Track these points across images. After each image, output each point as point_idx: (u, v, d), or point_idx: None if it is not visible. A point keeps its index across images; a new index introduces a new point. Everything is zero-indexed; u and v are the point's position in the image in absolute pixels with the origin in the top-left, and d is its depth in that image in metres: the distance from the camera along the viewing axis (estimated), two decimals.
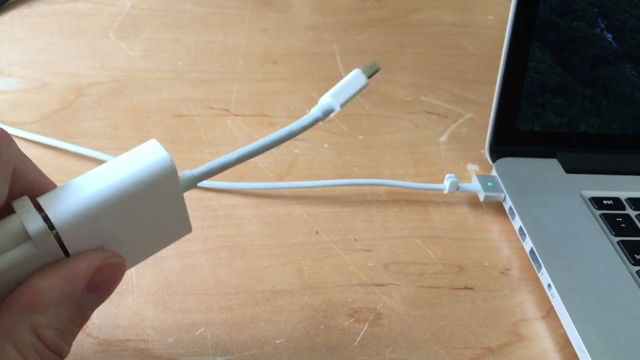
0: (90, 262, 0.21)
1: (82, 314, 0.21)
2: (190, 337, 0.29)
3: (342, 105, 0.26)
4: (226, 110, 0.43)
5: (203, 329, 0.29)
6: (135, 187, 0.21)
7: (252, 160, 0.39)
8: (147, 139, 0.39)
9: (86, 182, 0.21)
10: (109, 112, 0.42)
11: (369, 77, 0.26)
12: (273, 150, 0.40)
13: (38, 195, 0.21)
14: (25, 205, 0.20)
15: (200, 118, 0.42)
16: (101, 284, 0.21)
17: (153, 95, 0.44)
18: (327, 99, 0.26)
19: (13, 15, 0.50)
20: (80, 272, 0.20)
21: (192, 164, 0.38)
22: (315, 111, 0.25)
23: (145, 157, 0.22)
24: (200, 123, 0.42)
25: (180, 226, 0.24)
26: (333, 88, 0.26)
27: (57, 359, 0.20)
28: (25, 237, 0.20)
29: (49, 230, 0.20)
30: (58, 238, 0.20)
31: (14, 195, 0.21)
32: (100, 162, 0.38)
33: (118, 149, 0.39)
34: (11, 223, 0.20)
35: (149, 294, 0.30)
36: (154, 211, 0.22)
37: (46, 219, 0.20)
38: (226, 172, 0.38)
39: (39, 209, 0.20)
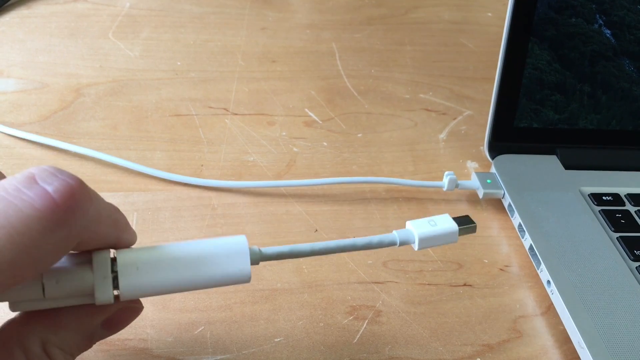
0: (114, 305, 0.22)
1: (88, 343, 0.22)
2: (190, 336, 0.29)
3: (420, 249, 0.26)
4: (225, 109, 0.43)
5: (202, 327, 0.29)
6: (209, 284, 0.22)
7: (250, 158, 0.39)
8: (146, 139, 0.40)
9: (169, 262, 0.21)
10: (108, 112, 0.42)
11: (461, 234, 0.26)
12: (272, 149, 0.40)
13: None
14: (103, 269, 0.21)
15: (200, 117, 0.42)
16: (116, 323, 0.23)
17: (152, 95, 0.44)
18: (413, 236, 0.25)
19: (12, 17, 0.50)
20: (101, 310, 0.22)
21: (191, 163, 0.38)
22: (395, 237, 0.25)
23: (229, 266, 0.22)
24: (200, 122, 0.42)
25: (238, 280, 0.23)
26: (424, 230, 0.25)
27: None
28: (91, 296, 0.21)
29: (113, 299, 0.21)
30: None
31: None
32: (99, 161, 0.38)
33: (117, 149, 0.39)
34: (84, 279, 0.21)
35: None
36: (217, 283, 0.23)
37: (116, 280, 0.21)
38: (225, 170, 0.38)
39: (113, 268, 0.21)
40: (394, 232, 0.25)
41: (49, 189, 0.18)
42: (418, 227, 0.25)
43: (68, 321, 0.21)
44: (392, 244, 0.25)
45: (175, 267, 0.21)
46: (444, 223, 0.26)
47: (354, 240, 0.25)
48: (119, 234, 0.21)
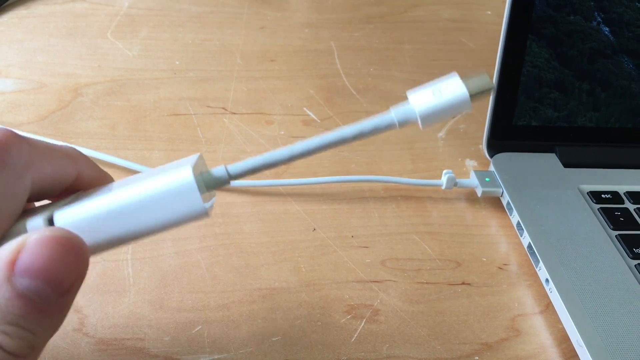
0: (13, 242, 0.17)
1: (27, 308, 0.17)
2: (187, 335, 0.29)
3: (424, 126, 0.21)
4: (224, 108, 0.43)
5: (200, 327, 0.29)
6: (162, 228, 0.20)
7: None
8: (144, 139, 0.40)
9: (110, 216, 0.19)
10: (107, 111, 0.42)
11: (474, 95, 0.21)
12: (270, 148, 0.40)
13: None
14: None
15: (198, 117, 0.42)
16: (40, 268, 0.17)
17: (150, 94, 0.44)
18: (412, 110, 0.21)
19: (11, 17, 0.50)
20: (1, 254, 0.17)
21: None
22: (393, 118, 0.21)
23: (179, 205, 0.19)
24: (198, 122, 0.42)
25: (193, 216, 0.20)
26: (427, 101, 0.21)
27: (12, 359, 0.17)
28: None
29: None
30: None
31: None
32: (98, 161, 0.38)
33: (115, 149, 0.39)
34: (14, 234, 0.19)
35: (146, 292, 0.30)
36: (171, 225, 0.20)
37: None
38: None
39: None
40: (391, 110, 0.21)
41: None
42: (419, 102, 0.21)
43: None
44: (390, 127, 0.21)
45: (118, 220, 0.19)
46: (451, 89, 0.21)
47: (342, 131, 0.20)
48: (77, 168, 0.22)
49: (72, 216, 0.19)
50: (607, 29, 0.37)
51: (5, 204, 0.19)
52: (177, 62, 0.47)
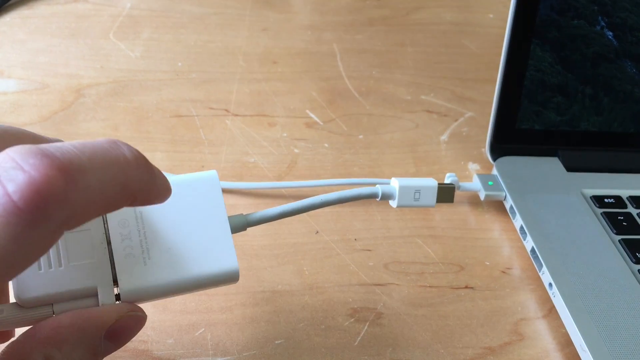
0: (113, 311, 0.22)
1: (94, 358, 0.21)
2: (190, 338, 0.29)
3: (398, 206, 0.30)
4: (226, 110, 0.43)
5: (203, 329, 0.29)
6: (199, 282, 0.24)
7: (251, 159, 0.39)
8: (147, 140, 0.40)
9: (164, 270, 0.23)
10: (109, 112, 0.42)
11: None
12: (273, 150, 0.40)
13: None
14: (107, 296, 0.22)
15: (200, 118, 0.42)
16: (119, 334, 0.22)
17: (153, 95, 0.44)
18: (394, 192, 0.30)
19: (13, 17, 0.50)
20: (102, 318, 0.21)
21: (192, 164, 0.38)
22: (378, 189, 0.29)
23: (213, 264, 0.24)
24: (200, 123, 0.42)
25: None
26: (409, 188, 0.30)
27: None
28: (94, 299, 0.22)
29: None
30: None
31: None
32: None
33: None
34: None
35: None
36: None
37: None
38: (226, 172, 0.38)
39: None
40: (377, 187, 0.30)
41: (10, 188, 0.15)
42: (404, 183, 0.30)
43: (70, 334, 0.20)
44: (373, 196, 0.29)
45: (170, 294, 0.24)
46: (426, 198, 0.31)
47: (334, 195, 0.28)
48: (132, 195, 0.19)
49: (137, 292, 0.23)
50: (610, 33, 0.37)
51: (25, 261, 0.16)
52: (180, 64, 0.47)
